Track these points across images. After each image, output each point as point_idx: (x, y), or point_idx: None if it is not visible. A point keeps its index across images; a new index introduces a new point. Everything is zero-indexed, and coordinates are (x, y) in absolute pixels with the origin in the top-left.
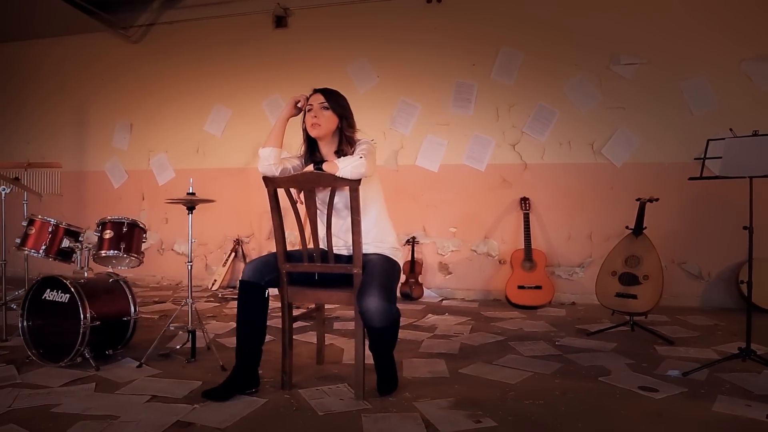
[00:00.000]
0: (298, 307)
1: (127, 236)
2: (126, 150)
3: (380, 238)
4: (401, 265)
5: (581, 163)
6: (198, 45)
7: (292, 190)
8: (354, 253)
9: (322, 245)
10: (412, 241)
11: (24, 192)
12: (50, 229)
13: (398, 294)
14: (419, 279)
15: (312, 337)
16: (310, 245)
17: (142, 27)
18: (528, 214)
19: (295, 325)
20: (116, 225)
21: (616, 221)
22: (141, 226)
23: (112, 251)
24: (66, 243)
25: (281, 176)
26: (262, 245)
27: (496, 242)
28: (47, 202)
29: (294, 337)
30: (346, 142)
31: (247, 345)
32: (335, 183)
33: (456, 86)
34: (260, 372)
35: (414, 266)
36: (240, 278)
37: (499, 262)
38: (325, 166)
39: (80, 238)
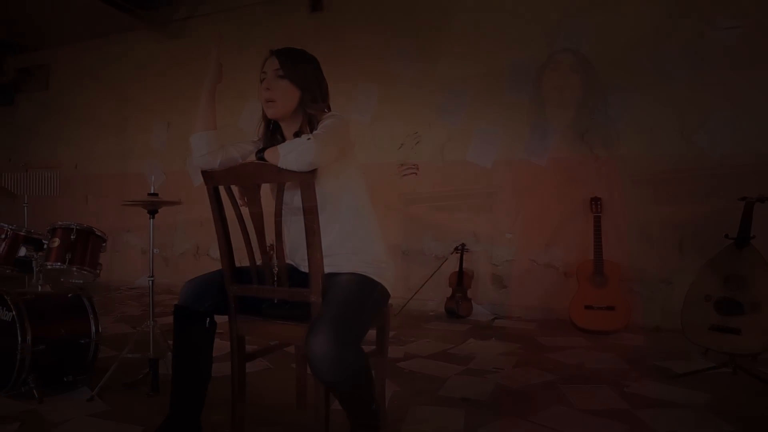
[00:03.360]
0: None
1: (78, 245)
2: (164, 150)
3: (358, 249)
4: (388, 287)
5: (667, 154)
6: (233, 35)
7: (234, 188)
8: (311, 272)
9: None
10: (461, 249)
11: (25, 195)
12: (4, 236)
13: (443, 310)
14: (468, 293)
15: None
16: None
17: (179, 21)
18: (599, 217)
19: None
20: (65, 232)
21: (712, 227)
22: (97, 233)
23: (57, 263)
24: (23, 252)
25: (222, 169)
26: None
27: (560, 251)
28: (92, 206)
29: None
30: (306, 122)
31: (183, 387)
32: (280, 177)
33: (512, 66)
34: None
35: (462, 278)
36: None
37: (564, 274)
38: (266, 154)
39: (44, 247)
